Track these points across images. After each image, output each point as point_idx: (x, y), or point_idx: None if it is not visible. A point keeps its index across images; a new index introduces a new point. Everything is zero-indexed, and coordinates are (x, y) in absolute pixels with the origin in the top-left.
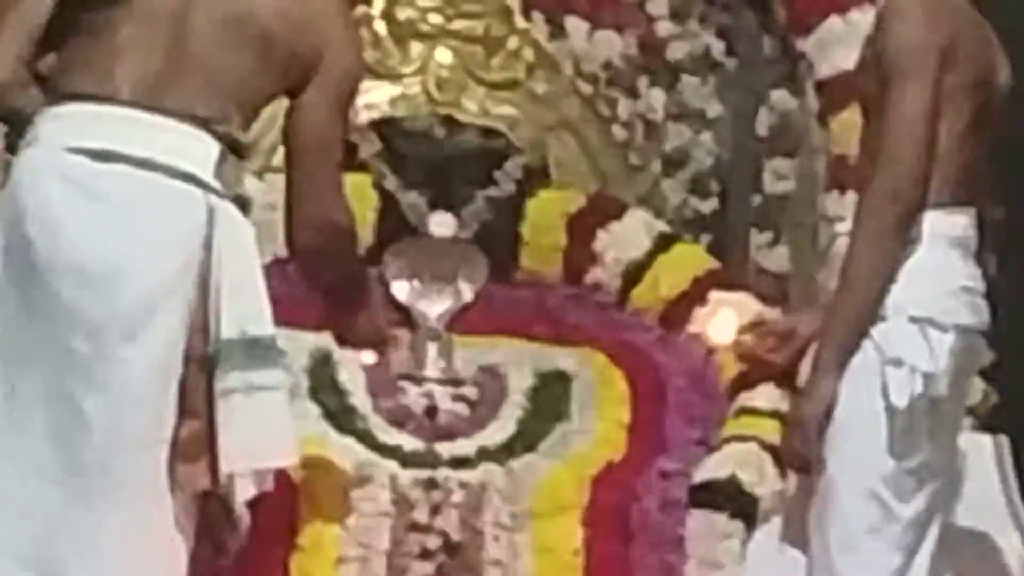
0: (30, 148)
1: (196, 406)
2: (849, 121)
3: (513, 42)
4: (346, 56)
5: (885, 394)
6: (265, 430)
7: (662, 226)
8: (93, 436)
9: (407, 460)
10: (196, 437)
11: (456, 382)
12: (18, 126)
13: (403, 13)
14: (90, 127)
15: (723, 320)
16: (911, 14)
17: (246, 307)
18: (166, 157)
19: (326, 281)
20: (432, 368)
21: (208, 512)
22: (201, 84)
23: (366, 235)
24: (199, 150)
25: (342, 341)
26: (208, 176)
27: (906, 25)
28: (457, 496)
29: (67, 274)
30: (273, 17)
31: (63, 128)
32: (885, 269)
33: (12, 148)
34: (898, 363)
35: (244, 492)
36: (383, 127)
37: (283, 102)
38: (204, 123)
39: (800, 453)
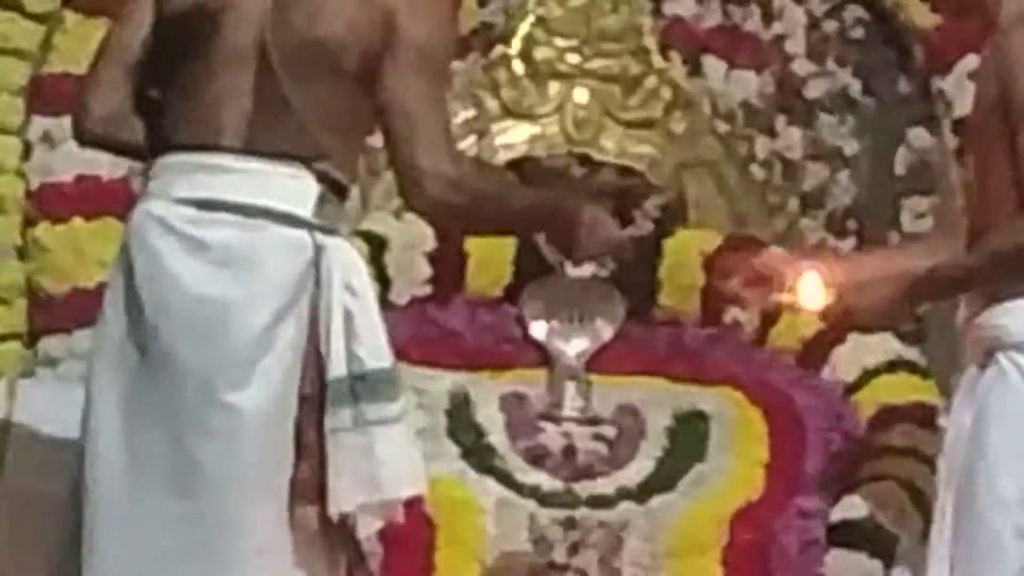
0: (143, 201)
1: (311, 446)
2: None
3: (651, 81)
4: (419, 28)
5: None
6: (384, 462)
7: None
8: (209, 485)
9: (546, 499)
10: (312, 477)
11: (594, 421)
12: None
13: (541, 53)
14: (195, 177)
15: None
16: None
17: (359, 341)
18: (267, 201)
19: (483, 228)
20: (570, 407)
21: (345, 547)
22: (292, 121)
23: (504, 275)
24: (298, 189)
25: (577, 261)
26: (309, 214)
27: None
28: (596, 536)
29: (176, 325)
30: (343, 27)
31: (168, 180)
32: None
33: None
34: None
35: (366, 528)
36: (521, 166)
37: None
38: (302, 162)
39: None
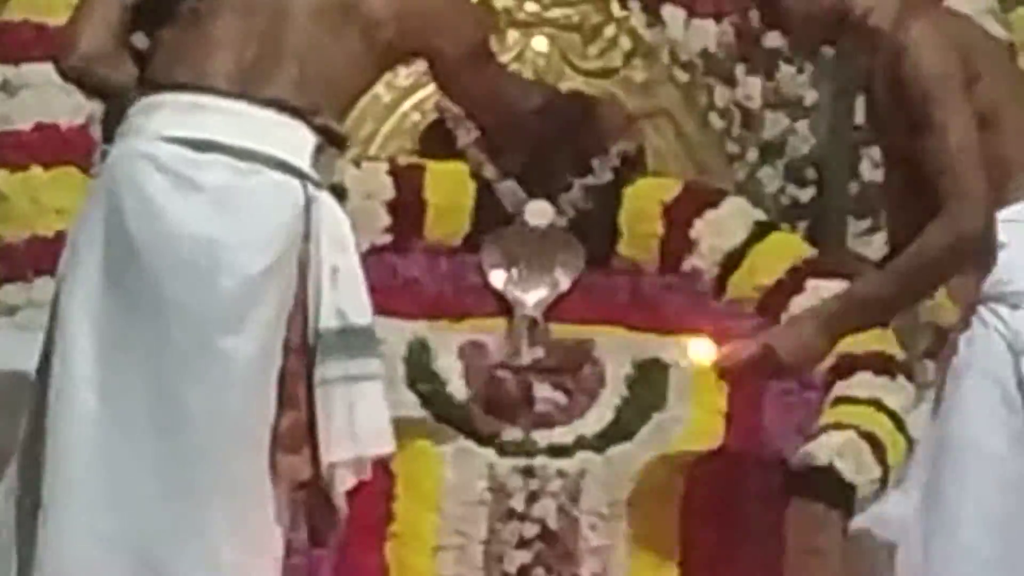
0: (126, 138)
1: (296, 397)
2: None
3: (610, 30)
4: (461, 30)
5: (1020, 384)
6: (364, 419)
7: (759, 214)
8: (195, 428)
9: (504, 448)
10: (297, 428)
11: (553, 370)
12: (114, 106)
13: (500, 2)
14: (187, 117)
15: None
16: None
17: (345, 297)
18: (264, 147)
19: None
20: (529, 356)
21: (307, 502)
22: (297, 74)
23: (464, 224)
24: (296, 140)
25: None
26: (305, 166)
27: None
28: (554, 484)
29: (166, 265)
30: (378, 2)
31: (159, 118)
32: (924, 293)
33: (109, 138)
34: None
35: (343, 482)
36: None
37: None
38: (299, 113)
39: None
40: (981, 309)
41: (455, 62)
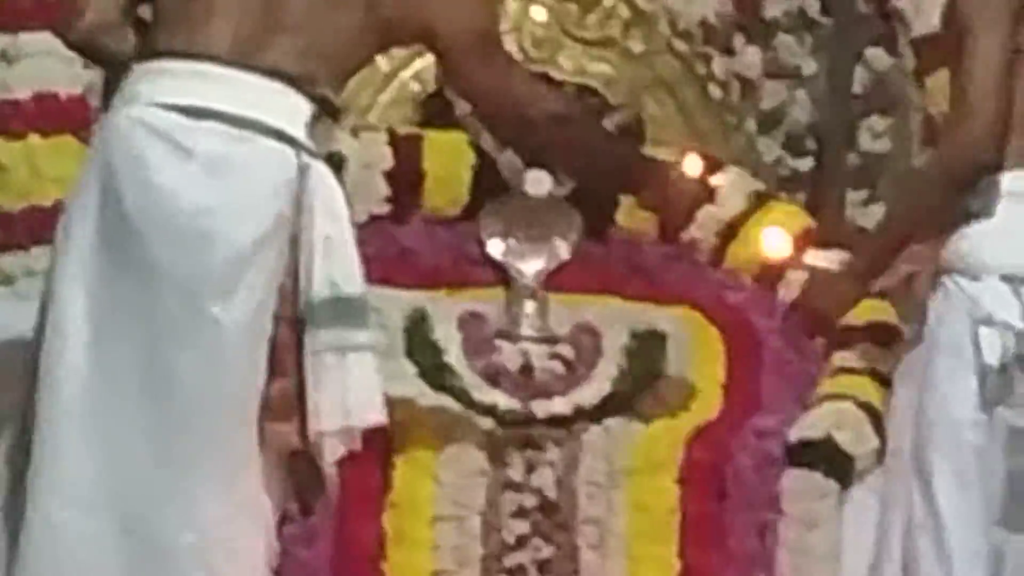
0: (123, 105)
1: (286, 365)
2: (944, 80)
3: (608, 0)
4: (464, 15)
5: (977, 354)
6: (354, 389)
7: (758, 184)
8: (185, 394)
9: (502, 418)
10: (286, 396)
11: (552, 340)
12: (115, 76)
13: None
14: (183, 84)
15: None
16: None
17: (337, 266)
18: (259, 115)
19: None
20: (527, 326)
21: (295, 470)
22: (296, 44)
23: (463, 194)
24: (291, 108)
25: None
26: (300, 134)
27: None
28: (552, 454)
29: (159, 231)
30: None
31: (156, 84)
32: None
33: (108, 107)
34: (989, 321)
35: (332, 451)
36: None
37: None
38: (295, 82)
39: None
40: (945, 279)
41: (458, 51)
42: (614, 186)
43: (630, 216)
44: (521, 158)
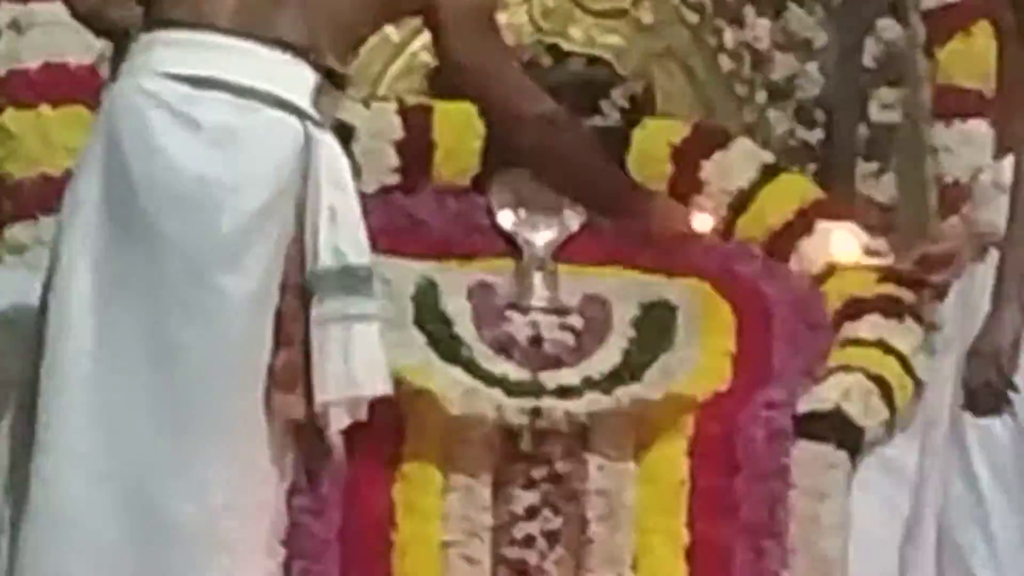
0: (127, 75)
1: (292, 335)
2: (955, 51)
3: None
4: None
5: None
6: (360, 359)
7: (767, 156)
8: (190, 365)
9: (512, 389)
10: (292, 366)
11: (561, 311)
12: (123, 46)
13: None
14: (188, 54)
15: (843, 240)
16: None
17: (342, 236)
18: (264, 84)
19: (572, 182)
20: (537, 297)
21: (302, 442)
22: (300, 14)
23: (473, 164)
24: (296, 78)
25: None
26: (305, 104)
27: None
28: (562, 426)
29: (165, 202)
30: None
31: (160, 55)
32: None
33: (117, 77)
34: None
35: (338, 422)
36: None
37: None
38: (300, 52)
39: (995, 385)
40: (991, 248)
41: (452, 22)
42: (593, 207)
43: None
44: (503, 154)
